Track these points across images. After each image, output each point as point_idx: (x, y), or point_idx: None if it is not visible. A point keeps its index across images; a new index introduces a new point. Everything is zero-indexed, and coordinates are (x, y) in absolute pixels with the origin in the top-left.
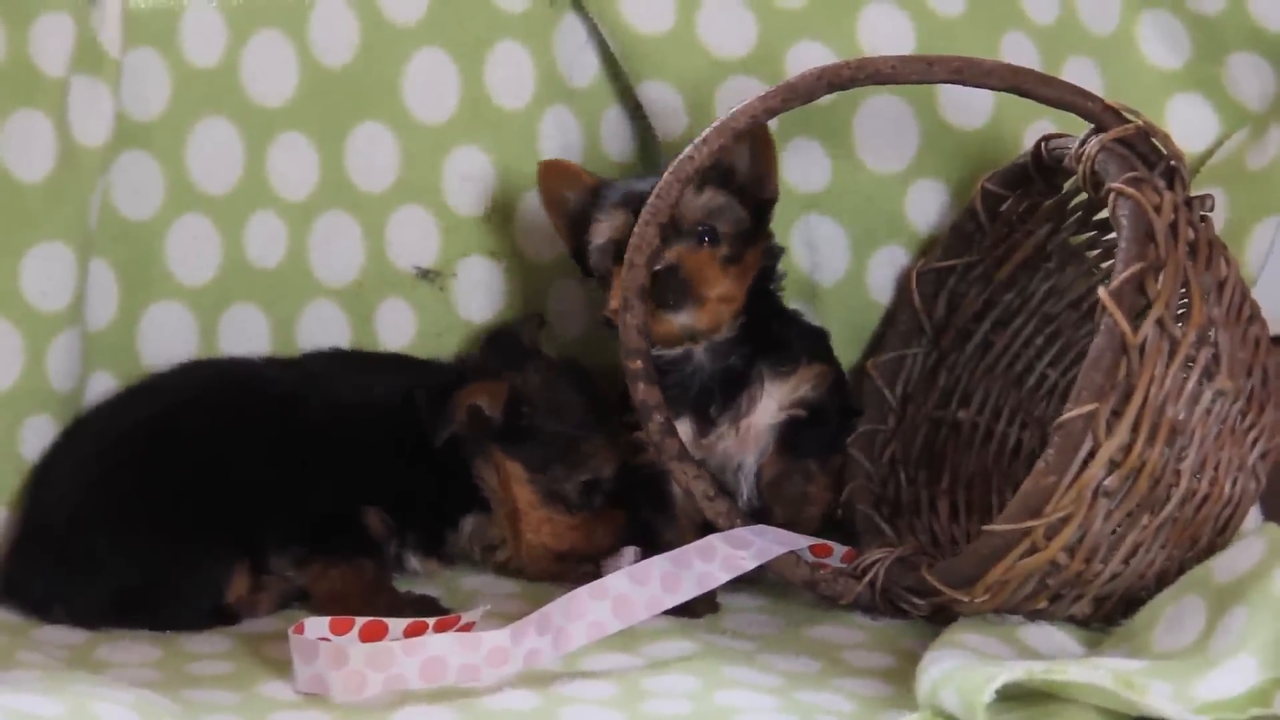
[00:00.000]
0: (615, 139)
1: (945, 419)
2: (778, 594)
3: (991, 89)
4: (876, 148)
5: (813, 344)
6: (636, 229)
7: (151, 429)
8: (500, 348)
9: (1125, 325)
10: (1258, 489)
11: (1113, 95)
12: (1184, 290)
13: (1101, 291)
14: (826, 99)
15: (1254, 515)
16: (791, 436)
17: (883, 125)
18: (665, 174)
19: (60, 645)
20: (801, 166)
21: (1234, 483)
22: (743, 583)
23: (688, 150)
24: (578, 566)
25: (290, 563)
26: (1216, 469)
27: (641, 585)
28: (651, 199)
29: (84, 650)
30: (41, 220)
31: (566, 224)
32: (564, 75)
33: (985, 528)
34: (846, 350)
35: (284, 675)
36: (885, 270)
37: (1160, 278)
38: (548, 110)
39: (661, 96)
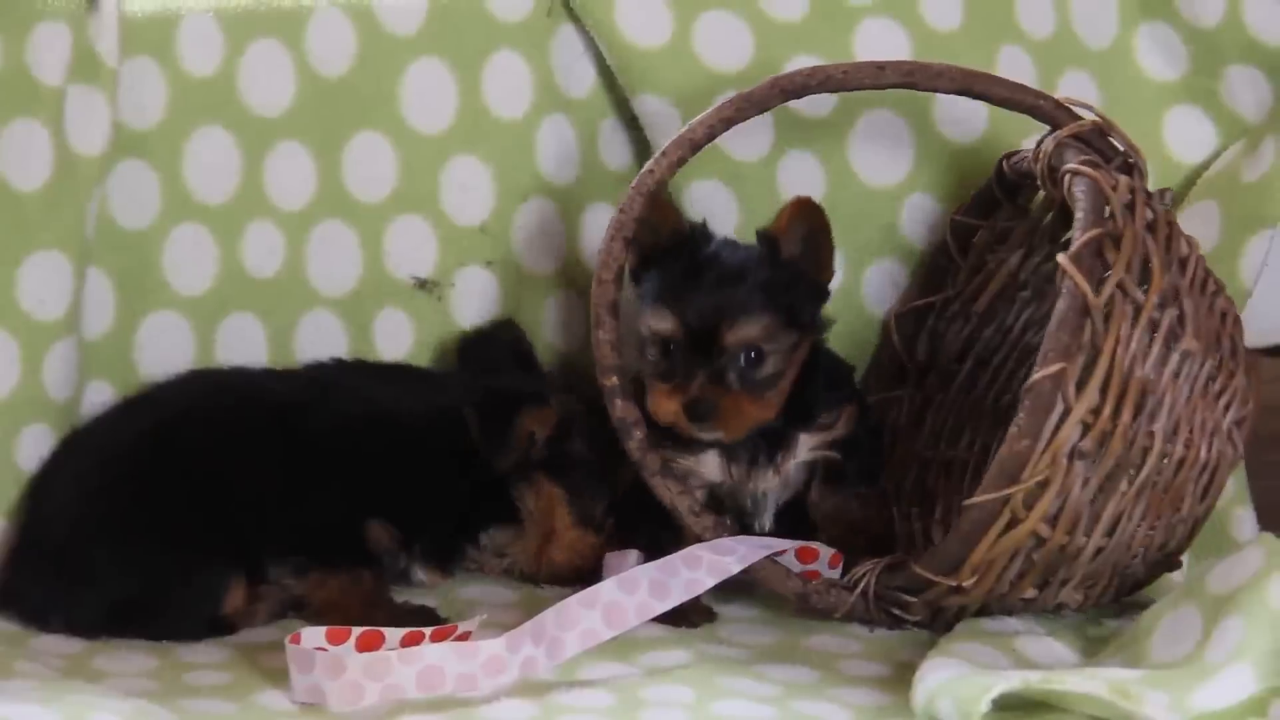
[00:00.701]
0: (612, 149)
1: (936, 458)
2: (774, 604)
3: (943, 91)
4: (872, 161)
5: (842, 389)
6: (603, 244)
7: (151, 440)
8: (494, 359)
9: (1086, 287)
10: (1235, 455)
11: (1110, 108)
12: (1145, 261)
13: (1060, 257)
14: (824, 111)
15: (1250, 526)
16: (834, 469)
17: (878, 139)
18: (629, 188)
19: (57, 655)
20: (796, 181)
21: (1210, 446)
22: (739, 592)
23: (649, 164)
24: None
25: (290, 571)
26: (1191, 432)
27: (630, 593)
28: (615, 214)
29: (81, 660)
30: (39, 229)
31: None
32: (561, 85)
33: (965, 502)
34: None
35: (281, 685)
36: (880, 283)
37: (1119, 245)
38: (545, 120)
39: (657, 109)
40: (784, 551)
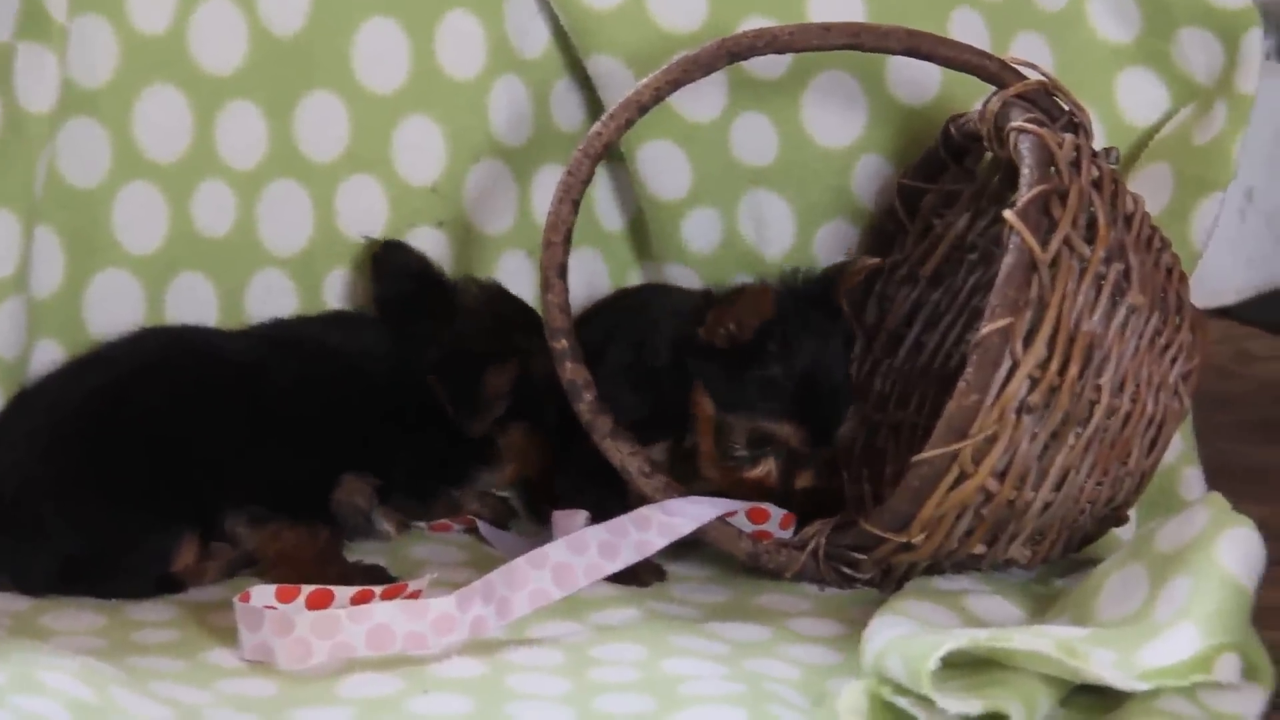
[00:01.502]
0: (565, 109)
1: (885, 421)
2: (725, 563)
3: (889, 52)
4: (825, 122)
5: None
6: (552, 207)
7: (103, 398)
8: (405, 291)
9: (1033, 242)
10: (1182, 409)
11: (1063, 70)
12: (1091, 217)
13: (1007, 212)
14: (777, 72)
15: (1198, 485)
16: None
17: (831, 99)
18: (576, 150)
19: (4, 613)
20: (749, 141)
21: (1156, 400)
22: (690, 551)
23: (596, 126)
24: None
25: (246, 521)
26: (1138, 386)
27: (579, 554)
28: (563, 177)
29: (28, 618)
30: None
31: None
32: (514, 46)
33: (914, 458)
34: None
35: (230, 643)
36: (831, 244)
37: (1065, 201)
38: (498, 80)
39: (610, 69)
40: (735, 513)
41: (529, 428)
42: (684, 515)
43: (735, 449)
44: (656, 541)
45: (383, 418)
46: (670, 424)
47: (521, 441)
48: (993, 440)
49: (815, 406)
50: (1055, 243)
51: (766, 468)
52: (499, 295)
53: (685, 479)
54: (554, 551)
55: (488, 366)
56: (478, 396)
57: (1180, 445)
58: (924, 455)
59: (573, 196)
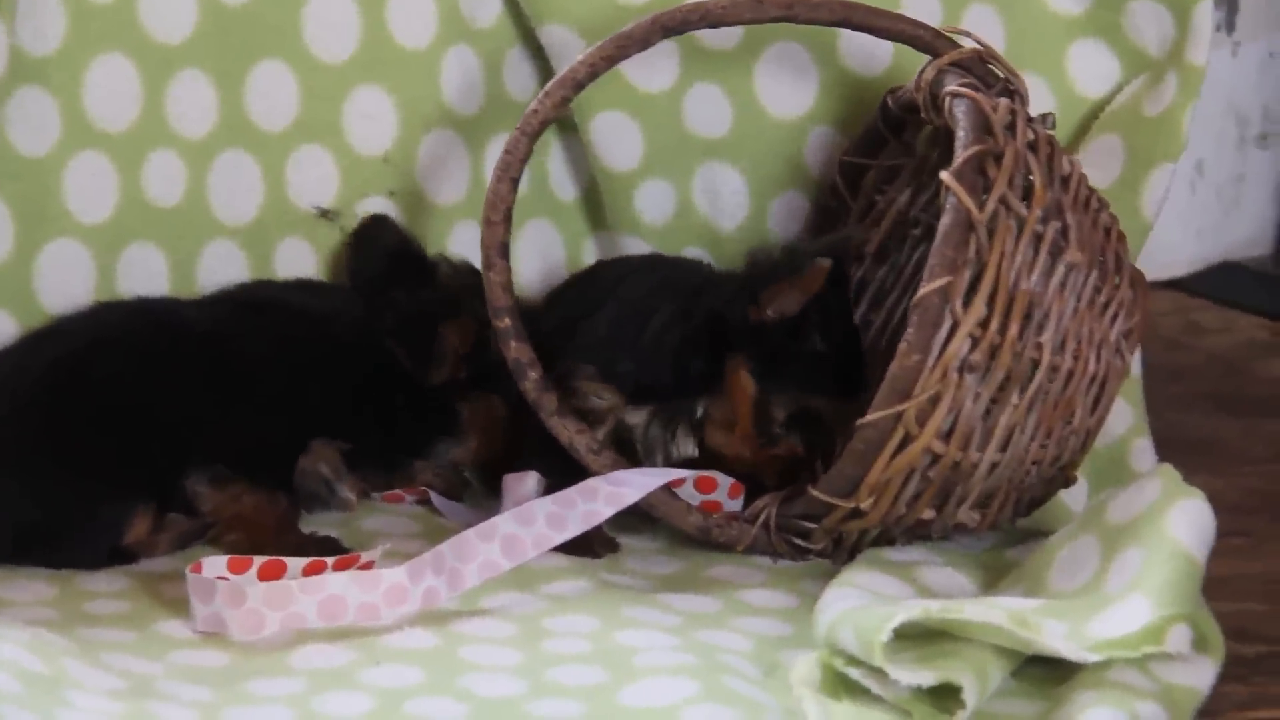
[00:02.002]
0: (517, 79)
1: None
2: (678, 535)
3: (823, 23)
4: (777, 93)
5: None
6: (490, 185)
7: (60, 369)
8: (378, 266)
9: (969, 202)
10: (1124, 367)
11: (1014, 42)
12: (1027, 178)
13: (943, 173)
14: (730, 43)
15: (1149, 457)
16: None
17: (784, 70)
18: (514, 130)
19: None
20: (703, 113)
21: (1099, 358)
22: (642, 524)
23: (532, 104)
24: None
25: (207, 479)
26: (1079, 344)
27: (528, 525)
28: (502, 155)
29: None
30: None
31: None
32: (466, 15)
33: (859, 421)
34: None
35: (182, 614)
36: (785, 215)
37: (1000, 162)
38: (449, 50)
39: (563, 39)
40: (682, 482)
41: (494, 401)
42: (630, 485)
43: (775, 427)
44: (604, 511)
45: (350, 384)
46: (686, 398)
47: (486, 414)
48: (936, 401)
49: (851, 378)
50: (992, 202)
51: (794, 441)
52: (469, 271)
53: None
54: (502, 523)
55: (443, 321)
56: (434, 349)
57: (1131, 417)
58: (868, 418)
59: (511, 174)
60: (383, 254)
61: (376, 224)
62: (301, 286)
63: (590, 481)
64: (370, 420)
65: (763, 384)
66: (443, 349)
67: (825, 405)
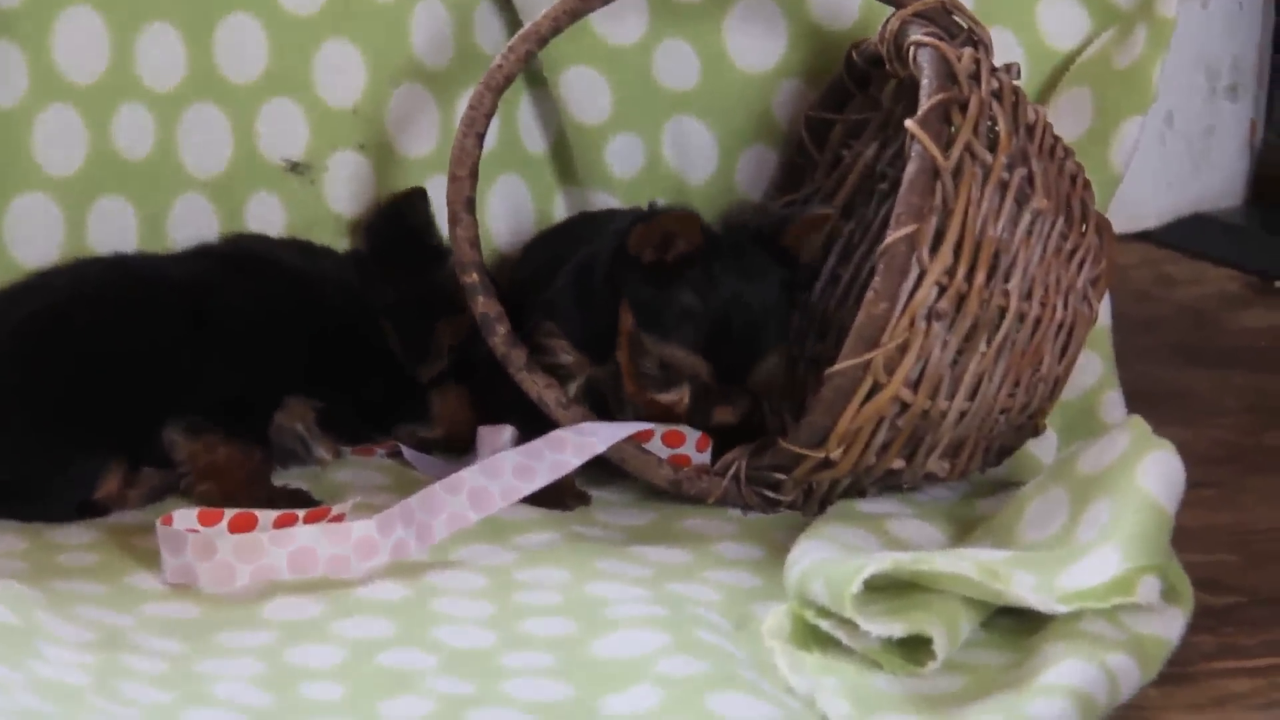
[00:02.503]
0: (486, 32)
1: (803, 354)
2: (648, 487)
3: None
4: (746, 46)
5: None
6: (456, 141)
7: (32, 324)
8: (396, 238)
9: (935, 150)
10: (1092, 314)
11: None
12: (992, 126)
13: (908, 122)
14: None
15: (1119, 409)
16: None
17: (753, 23)
18: (478, 85)
19: None
20: (671, 66)
21: (1066, 305)
22: (614, 477)
23: (497, 60)
24: None
25: (183, 428)
26: (1046, 291)
27: (495, 478)
28: (466, 110)
29: None
30: None
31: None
32: None
33: (827, 371)
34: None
35: (153, 567)
36: (753, 168)
37: (965, 110)
38: (419, 3)
39: None
40: (650, 433)
41: (464, 392)
42: (598, 435)
43: (647, 367)
44: (572, 461)
45: (331, 347)
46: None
47: (456, 404)
48: (904, 349)
49: (728, 343)
50: (957, 149)
51: (679, 395)
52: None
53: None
54: (469, 476)
55: (442, 317)
56: (429, 344)
57: (1101, 369)
58: (837, 367)
59: (476, 130)
60: (404, 229)
61: (412, 198)
62: (294, 245)
63: (558, 432)
64: (344, 387)
65: (639, 324)
66: (439, 345)
67: (694, 363)
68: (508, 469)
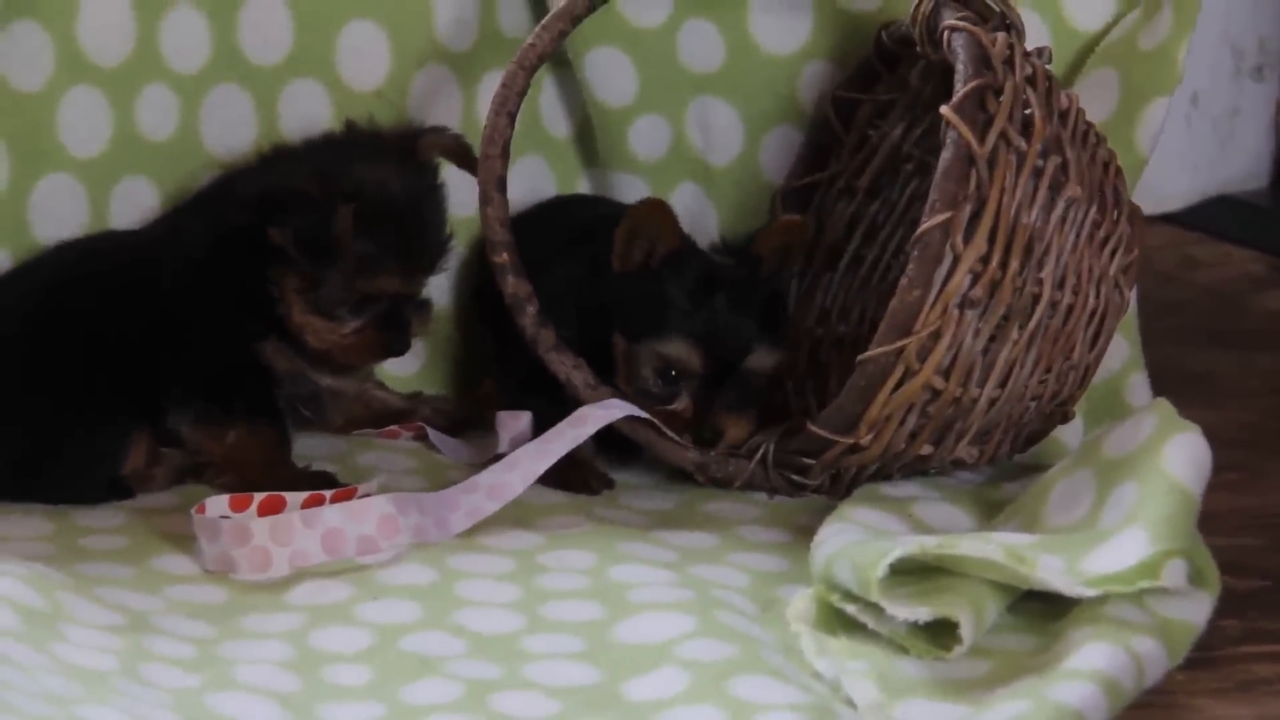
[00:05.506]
0: (510, 14)
1: (827, 335)
2: (673, 472)
3: None
4: (771, 28)
5: None
6: (488, 120)
7: (43, 298)
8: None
9: (970, 136)
10: (1123, 302)
11: None
12: (1026, 112)
13: (944, 108)
14: None
15: (1145, 391)
16: None
17: (777, 6)
18: (510, 63)
19: None
20: (696, 47)
21: (1098, 293)
22: (639, 460)
23: (529, 38)
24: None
25: (191, 418)
26: (1079, 279)
27: (512, 468)
28: (498, 89)
29: None
30: None
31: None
32: None
33: (860, 357)
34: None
35: (179, 549)
36: (777, 150)
37: (1000, 96)
38: None
39: None
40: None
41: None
42: (619, 408)
43: (646, 381)
44: (591, 429)
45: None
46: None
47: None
48: (937, 336)
49: (716, 334)
50: (992, 137)
51: (683, 404)
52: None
53: None
54: (485, 477)
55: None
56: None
57: (1127, 351)
58: (869, 353)
59: (509, 109)
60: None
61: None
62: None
63: (583, 410)
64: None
65: (628, 338)
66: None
67: (687, 354)
68: (524, 457)
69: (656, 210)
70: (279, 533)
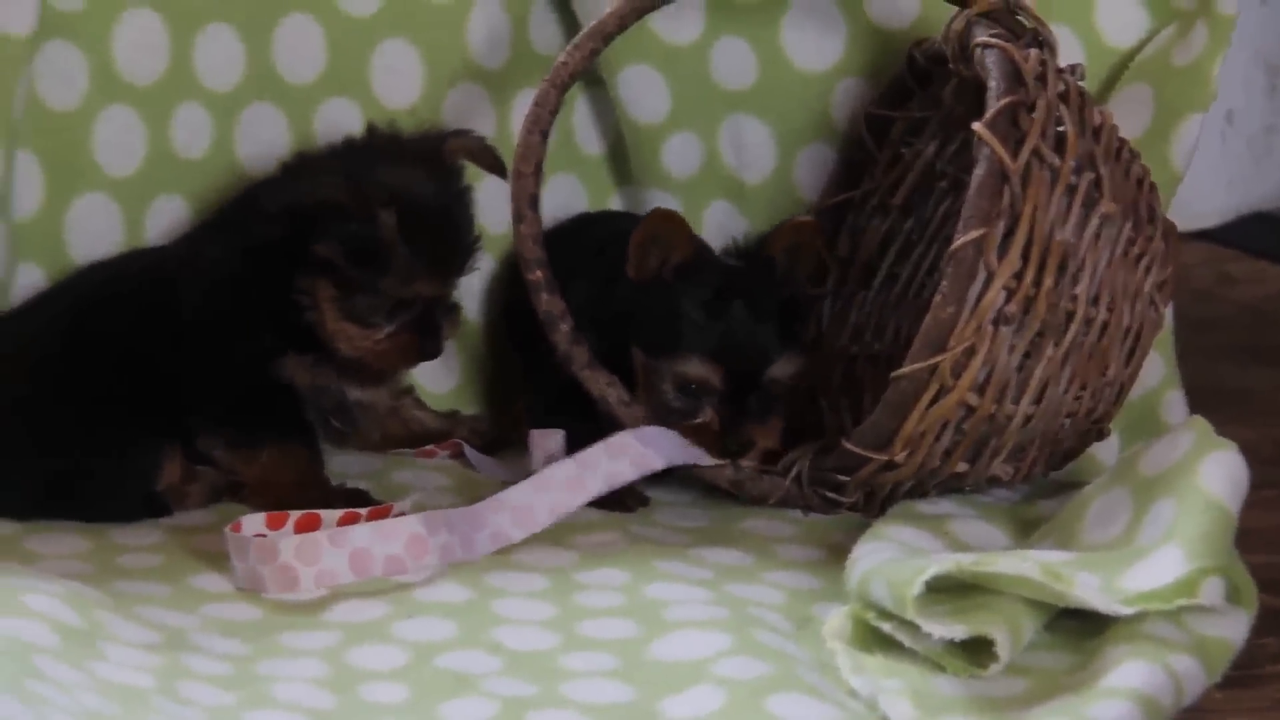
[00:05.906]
0: (543, 32)
1: (861, 352)
2: (708, 488)
3: None
4: (804, 45)
5: None
6: (520, 138)
7: (74, 319)
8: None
9: (1003, 152)
10: (1158, 319)
11: None
12: (1059, 128)
13: (976, 125)
14: None
15: (1181, 408)
16: None
17: (811, 22)
18: (543, 81)
19: None
20: (729, 65)
21: (1133, 310)
22: (673, 477)
23: (561, 56)
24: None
25: (222, 444)
26: (1113, 295)
27: (544, 491)
28: (531, 108)
29: (12, 541)
30: None
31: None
32: None
33: (894, 374)
34: None
35: (215, 567)
36: (811, 167)
37: (1033, 113)
38: (476, 3)
39: None
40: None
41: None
42: (658, 449)
43: (667, 397)
44: (628, 474)
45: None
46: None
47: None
48: (971, 353)
49: (735, 347)
50: (1025, 153)
51: (707, 417)
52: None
53: None
54: (515, 495)
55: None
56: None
57: (1163, 369)
58: (904, 370)
59: (541, 127)
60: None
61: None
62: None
63: (619, 438)
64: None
65: (648, 354)
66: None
67: (706, 371)
68: (559, 482)
69: (669, 219)
70: (305, 552)
